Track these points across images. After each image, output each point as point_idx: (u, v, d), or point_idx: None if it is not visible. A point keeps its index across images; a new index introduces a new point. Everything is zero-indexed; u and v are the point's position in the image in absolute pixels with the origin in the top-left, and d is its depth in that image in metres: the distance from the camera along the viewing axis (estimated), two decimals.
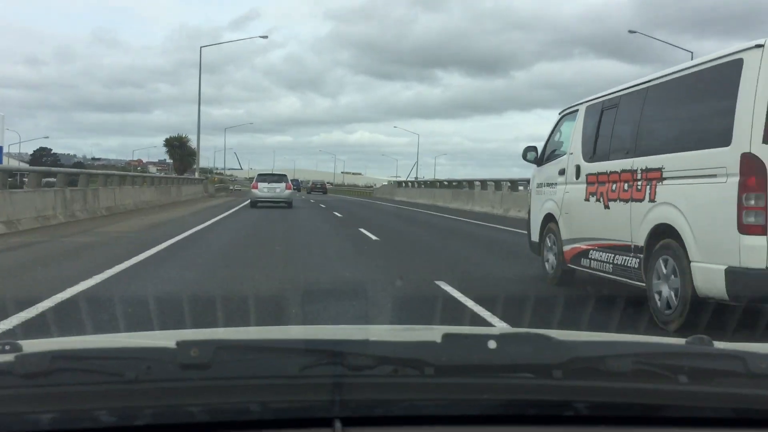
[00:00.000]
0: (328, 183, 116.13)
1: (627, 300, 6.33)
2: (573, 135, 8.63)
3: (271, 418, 1.27)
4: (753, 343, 1.91)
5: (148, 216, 20.78)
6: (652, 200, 6.50)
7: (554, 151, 9.30)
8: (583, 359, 1.45)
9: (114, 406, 1.24)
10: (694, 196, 5.90)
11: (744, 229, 5.32)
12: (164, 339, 1.91)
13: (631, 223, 6.83)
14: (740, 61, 5.51)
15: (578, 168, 8.24)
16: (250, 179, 33.58)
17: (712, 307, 5.54)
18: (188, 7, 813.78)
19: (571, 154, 8.53)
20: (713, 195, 5.65)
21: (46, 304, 6.26)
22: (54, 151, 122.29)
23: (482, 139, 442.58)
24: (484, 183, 32.12)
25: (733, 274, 5.37)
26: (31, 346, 1.51)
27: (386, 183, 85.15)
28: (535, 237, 9.54)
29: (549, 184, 9.17)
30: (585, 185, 8.01)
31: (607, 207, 7.43)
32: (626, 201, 6.98)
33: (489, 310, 6.45)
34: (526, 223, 10.22)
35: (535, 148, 9.82)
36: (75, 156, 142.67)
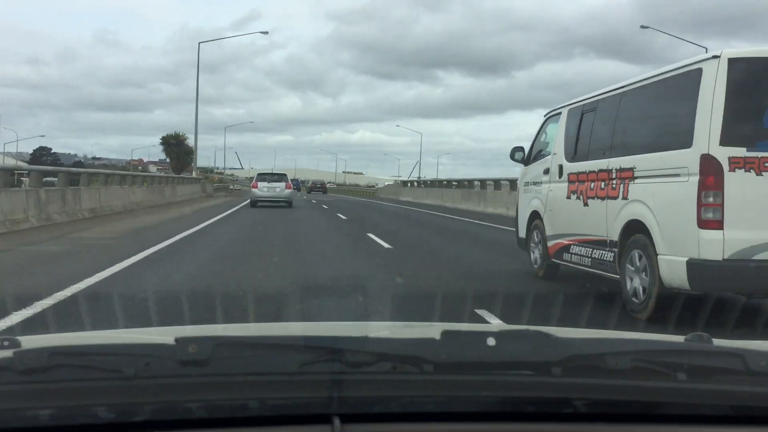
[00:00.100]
0: (329, 183, 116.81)
1: (604, 291, 6.73)
2: (557, 136, 9.12)
3: (269, 414, 1.28)
4: (752, 340, 1.92)
5: (135, 218, 19.40)
6: (625, 198, 6.99)
7: (540, 151, 9.79)
8: (582, 356, 1.47)
9: (112, 402, 1.24)
10: (661, 194, 6.39)
11: (703, 224, 5.81)
12: (163, 335, 1.89)
13: (607, 219, 7.32)
14: (700, 71, 6.00)
15: (561, 167, 8.73)
16: (251, 179, 33.82)
17: (682, 299, 6.01)
18: (190, 8, 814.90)
19: (555, 154, 9.02)
20: (677, 193, 6.13)
21: None
22: (54, 150, 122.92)
23: (484, 139, 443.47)
24: (497, 182, 30.49)
25: (693, 266, 5.86)
26: (29, 342, 1.52)
27: (391, 182, 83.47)
28: (522, 233, 10.04)
29: (535, 183, 9.67)
30: (567, 184, 8.49)
31: (586, 204, 7.92)
32: (603, 199, 7.48)
33: None
34: (515, 221, 10.72)
35: (522, 149, 10.32)
36: (76, 155, 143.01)
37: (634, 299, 6.63)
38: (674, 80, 6.48)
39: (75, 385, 1.26)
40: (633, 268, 6.70)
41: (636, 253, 6.67)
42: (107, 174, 24.59)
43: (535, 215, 9.52)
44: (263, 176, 30.07)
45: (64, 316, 5.95)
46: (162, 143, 77.40)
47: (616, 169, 7.25)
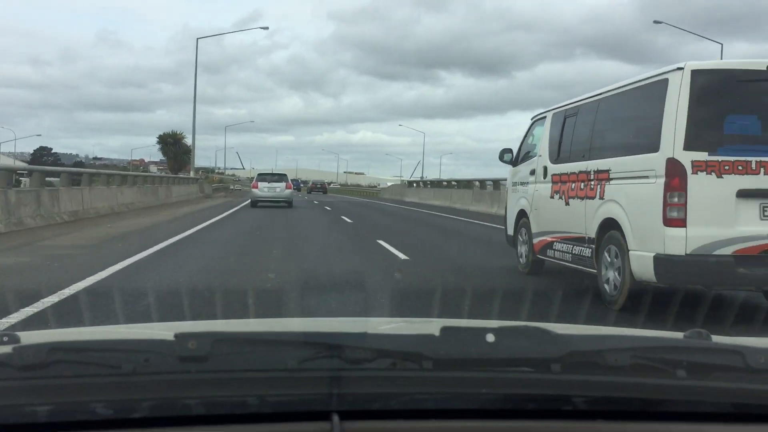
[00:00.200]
0: (331, 183, 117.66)
1: (582, 283, 7.24)
2: (542, 139, 9.65)
3: (268, 411, 1.28)
4: (751, 337, 1.93)
5: (120, 222, 17.67)
6: (601, 198, 7.52)
7: (527, 153, 10.31)
8: (582, 353, 1.47)
9: (111, 398, 1.24)
10: (632, 194, 6.92)
11: (668, 222, 6.33)
12: (162, 331, 1.89)
13: (586, 217, 7.84)
14: (666, 81, 6.52)
15: (545, 169, 9.26)
16: (252, 179, 34.36)
17: (651, 290, 6.54)
18: (191, 9, 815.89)
19: (540, 156, 9.55)
20: (646, 193, 6.65)
21: None
22: (55, 150, 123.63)
23: (485, 139, 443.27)
24: None
25: (659, 261, 6.38)
26: (29, 337, 1.51)
27: (397, 182, 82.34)
28: (510, 231, 10.58)
29: (522, 183, 10.20)
30: (551, 184, 9.02)
31: (567, 204, 8.45)
32: (582, 198, 8.00)
33: None
34: (504, 219, 11.27)
35: (510, 150, 10.86)
36: (77, 155, 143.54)
37: (608, 291, 7.15)
38: (644, 89, 7.01)
39: (74, 381, 1.25)
40: (608, 263, 7.22)
41: (610, 249, 7.19)
42: (91, 173, 22.87)
43: (522, 214, 10.04)
44: (263, 176, 30.59)
45: None
46: (159, 142, 75.85)
47: (594, 171, 7.77)
